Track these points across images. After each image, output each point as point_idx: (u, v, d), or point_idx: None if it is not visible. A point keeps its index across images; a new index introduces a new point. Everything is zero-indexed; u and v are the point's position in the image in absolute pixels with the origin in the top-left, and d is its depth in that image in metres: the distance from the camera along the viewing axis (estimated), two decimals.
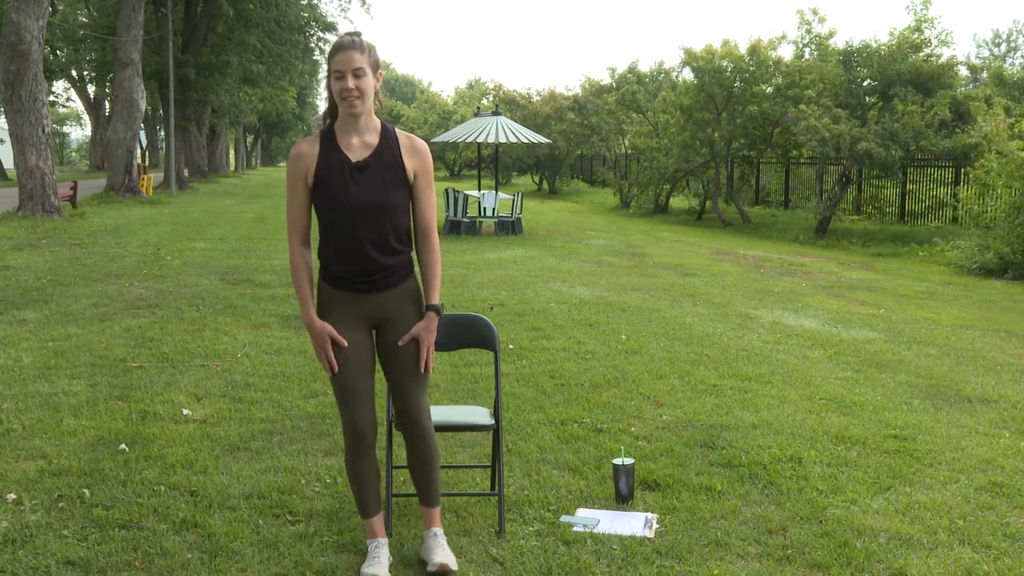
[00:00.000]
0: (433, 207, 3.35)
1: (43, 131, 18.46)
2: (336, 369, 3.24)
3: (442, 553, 3.35)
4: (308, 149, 3.19)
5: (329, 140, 3.20)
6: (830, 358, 7.16)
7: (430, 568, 3.32)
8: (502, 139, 18.39)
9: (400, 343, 3.29)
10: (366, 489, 3.35)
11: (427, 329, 3.31)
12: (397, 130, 3.30)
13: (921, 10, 19.97)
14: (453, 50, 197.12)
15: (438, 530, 3.44)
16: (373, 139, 3.22)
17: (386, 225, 3.19)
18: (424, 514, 3.47)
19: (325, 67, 3.19)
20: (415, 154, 3.26)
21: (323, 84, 3.21)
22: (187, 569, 3.34)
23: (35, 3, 17.89)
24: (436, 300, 3.33)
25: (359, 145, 3.20)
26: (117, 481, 4.14)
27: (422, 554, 3.43)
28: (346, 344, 3.22)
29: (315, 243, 3.30)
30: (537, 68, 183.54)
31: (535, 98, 38.41)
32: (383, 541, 3.38)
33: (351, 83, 3.08)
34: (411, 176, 3.26)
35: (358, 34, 3.16)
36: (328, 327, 3.22)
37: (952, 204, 19.14)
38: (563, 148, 35.14)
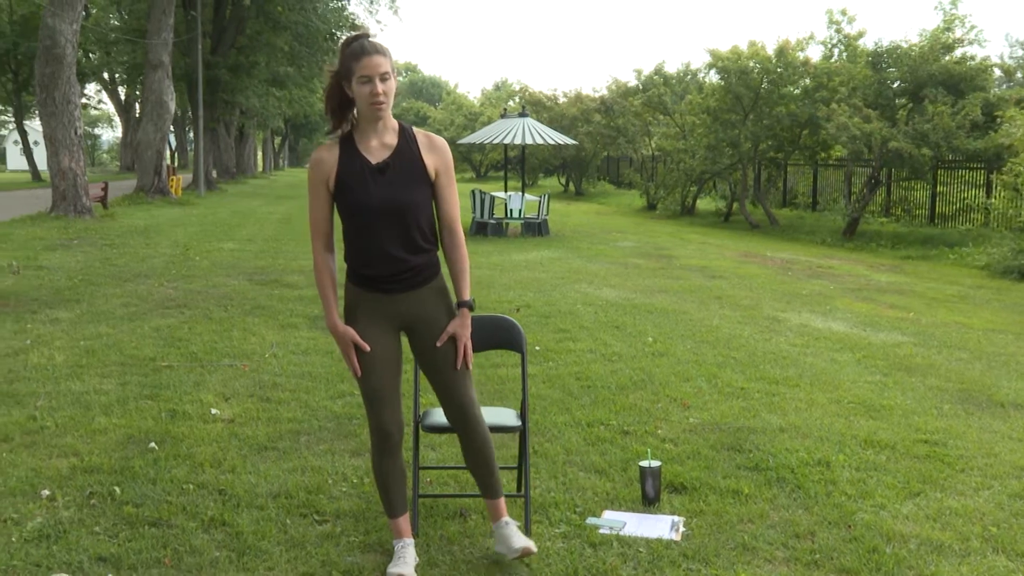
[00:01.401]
0: (456, 203, 3.34)
1: (75, 133, 18.72)
2: (359, 373, 3.25)
3: (520, 538, 3.37)
4: (327, 154, 3.19)
5: (348, 144, 3.20)
6: (859, 361, 7.09)
7: (512, 555, 3.34)
8: (528, 141, 18.39)
9: (438, 344, 3.29)
10: (392, 490, 3.37)
11: (462, 326, 3.31)
12: (415, 128, 3.31)
13: (950, 9, 19.73)
14: (480, 52, 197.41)
15: (508, 519, 3.44)
16: (392, 139, 3.22)
17: (410, 224, 3.20)
18: (491, 507, 3.47)
19: (338, 70, 3.16)
20: (435, 151, 3.26)
21: (330, 86, 3.16)
22: (215, 567, 3.37)
23: (70, 8, 18.14)
24: (467, 296, 3.33)
25: (378, 146, 3.20)
26: (147, 479, 4.19)
27: (497, 547, 3.42)
28: (368, 349, 3.23)
29: (339, 246, 3.31)
30: (563, 70, 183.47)
31: (561, 99, 38.38)
32: (409, 541, 3.39)
33: (380, 88, 3.09)
34: (432, 174, 3.26)
35: (373, 36, 3.17)
36: (351, 332, 3.23)
37: (984, 210, 18.90)
38: (589, 150, 35.08)
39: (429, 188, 3.25)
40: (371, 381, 3.26)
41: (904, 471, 4.53)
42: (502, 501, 3.47)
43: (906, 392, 6.16)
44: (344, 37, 3.21)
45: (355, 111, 3.21)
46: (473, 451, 3.40)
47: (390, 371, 3.29)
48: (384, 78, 3.09)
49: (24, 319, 7.97)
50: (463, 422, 3.36)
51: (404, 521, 3.41)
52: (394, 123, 3.24)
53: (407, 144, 3.22)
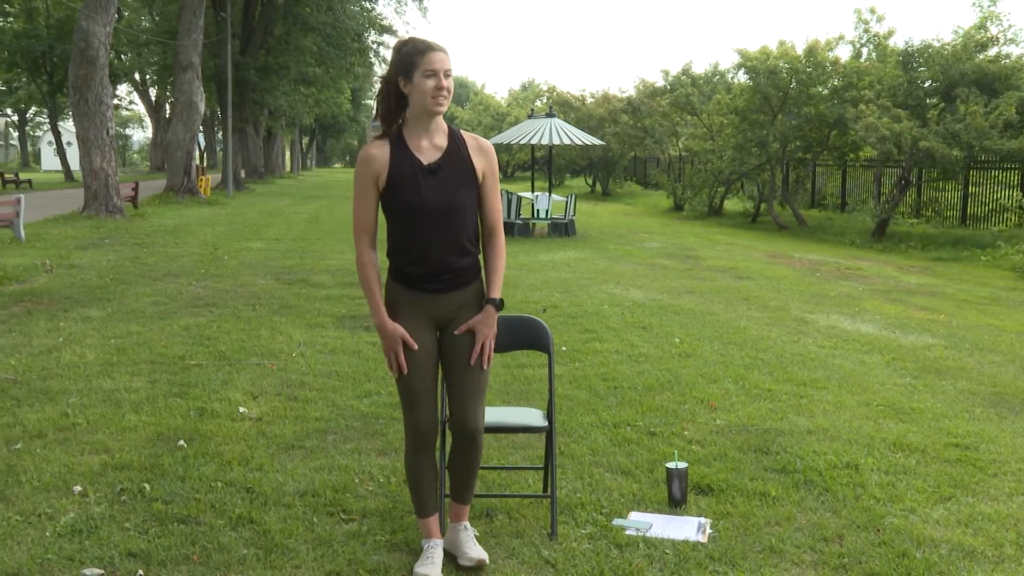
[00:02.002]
0: (499, 207, 3.38)
1: (107, 133, 18.96)
2: (405, 371, 3.25)
3: (476, 548, 3.40)
4: (378, 152, 3.19)
5: (399, 142, 3.21)
6: (888, 364, 7.02)
7: (464, 562, 3.36)
8: (555, 141, 18.37)
9: (455, 332, 3.30)
10: (425, 489, 3.38)
11: (484, 323, 3.30)
12: (462, 131, 3.33)
13: (988, 6, 19.46)
14: (507, 52, 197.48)
15: (467, 524, 3.49)
16: (442, 141, 3.24)
17: (458, 227, 3.22)
18: (455, 509, 3.51)
19: (390, 66, 3.18)
20: (483, 155, 3.29)
21: (384, 86, 3.16)
22: (243, 564, 3.40)
23: (103, 10, 18.38)
24: (497, 294, 3.34)
25: (429, 147, 3.22)
26: (176, 476, 4.23)
27: (450, 547, 3.45)
28: (416, 347, 3.23)
29: (380, 242, 3.31)
30: (591, 70, 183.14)
31: (588, 100, 38.32)
32: (438, 542, 3.40)
33: (445, 82, 3.13)
34: (480, 177, 3.29)
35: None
36: (400, 329, 3.23)
37: (1018, 210, 18.62)
38: (616, 150, 34.98)
39: (476, 191, 3.28)
40: (412, 380, 3.26)
41: (935, 475, 4.48)
42: (468, 507, 3.52)
43: (936, 395, 6.09)
44: (396, 40, 3.22)
45: (405, 111, 3.22)
46: (465, 460, 3.39)
47: (430, 370, 3.30)
48: (448, 74, 3.14)
49: (57, 317, 8.09)
50: (463, 432, 3.33)
51: (434, 521, 3.42)
52: (443, 125, 3.27)
53: (456, 146, 3.25)
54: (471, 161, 3.25)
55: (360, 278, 3.28)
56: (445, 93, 3.13)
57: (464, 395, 3.31)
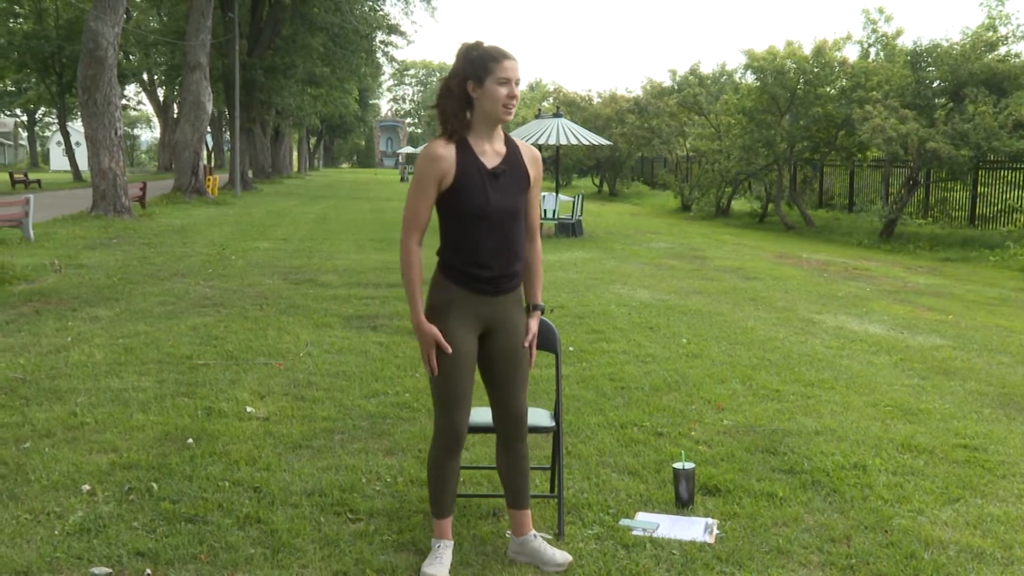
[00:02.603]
0: (538, 211, 3.45)
1: (116, 133, 19.03)
2: (436, 372, 3.24)
3: (558, 552, 3.44)
4: (445, 152, 3.18)
5: (464, 145, 3.21)
6: (896, 364, 7.00)
7: (553, 568, 3.38)
8: (563, 141, 18.37)
9: (525, 344, 3.36)
10: (448, 491, 3.38)
11: (532, 327, 3.42)
12: (516, 139, 3.38)
13: (996, 6, 19.39)
14: (514, 52, 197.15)
15: (536, 532, 3.50)
16: (501, 147, 3.28)
17: (515, 231, 3.26)
18: (519, 518, 3.48)
19: (457, 68, 3.21)
20: (535, 163, 3.36)
21: (449, 86, 3.21)
22: (250, 564, 3.40)
23: (112, 11, 18.45)
24: (539, 300, 3.45)
25: (491, 152, 3.24)
26: (183, 476, 4.24)
27: (527, 559, 3.44)
28: (450, 350, 3.22)
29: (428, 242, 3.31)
30: (597, 70, 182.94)
31: (596, 100, 38.30)
32: (449, 543, 3.41)
33: (516, 91, 3.18)
34: (532, 183, 3.35)
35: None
36: (435, 331, 3.22)
37: None
38: (624, 150, 34.97)
39: (527, 197, 3.34)
40: (454, 381, 3.25)
41: (943, 476, 4.46)
42: (529, 513, 3.50)
43: (944, 396, 6.07)
44: (463, 44, 3.22)
45: (468, 114, 3.22)
46: (517, 458, 3.43)
47: (471, 373, 3.31)
48: (518, 83, 3.19)
49: (66, 317, 8.12)
50: (515, 429, 3.40)
51: (448, 523, 3.43)
52: (501, 132, 3.31)
53: (514, 153, 3.29)
54: (526, 168, 3.31)
55: (404, 275, 3.26)
56: (515, 102, 3.18)
57: (509, 385, 3.36)
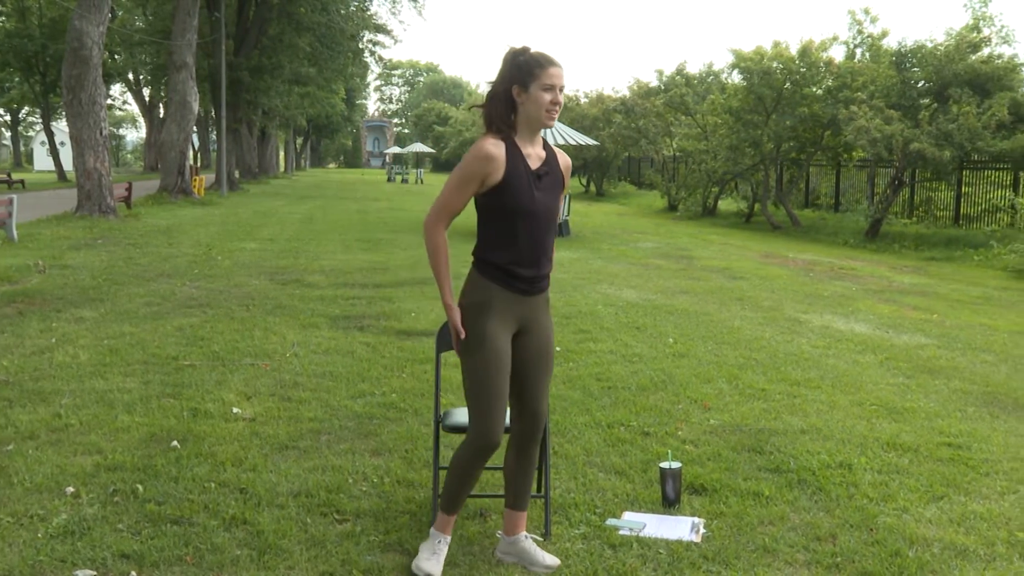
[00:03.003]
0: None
1: (101, 133, 18.91)
2: (463, 335, 3.25)
3: (547, 554, 3.45)
4: (497, 151, 3.21)
5: (512, 147, 3.25)
6: (881, 363, 7.03)
7: (541, 570, 3.39)
8: (549, 141, 18.30)
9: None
10: (466, 490, 3.38)
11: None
12: (551, 144, 3.44)
13: (980, 8, 19.52)
14: (501, 53, 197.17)
15: (527, 534, 3.52)
16: (541, 151, 3.34)
17: (552, 232, 3.35)
18: (515, 518, 3.49)
19: (503, 72, 3.25)
20: (567, 169, 3.45)
21: (496, 91, 3.29)
22: (236, 565, 3.39)
23: (96, 10, 18.33)
24: None
25: (534, 155, 3.30)
26: (169, 477, 4.22)
27: (515, 559, 3.45)
28: (464, 335, 3.24)
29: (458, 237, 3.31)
30: (585, 70, 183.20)
31: (583, 100, 38.32)
32: (448, 539, 3.42)
33: (560, 97, 3.24)
34: (564, 188, 3.43)
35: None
36: (458, 315, 3.26)
37: (1009, 210, 18.69)
38: (611, 150, 34.99)
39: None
40: (496, 381, 3.24)
41: (927, 474, 4.49)
42: (525, 515, 3.51)
43: (929, 394, 6.11)
44: (510, 48, 3.30)
45: (513, 117, 3.26)
46: (528, 460, 3.46)
47: (508, 375, 3.31)
48: (562, 89, 3.25)
49: (50, 318, 8.06)
50: (535, 428, 3.42)
51: (454, 520, 3.43)
52: (540, 136, 3.38)
53: (552, 156, 3.38)
54: (562, 173, 3.39)
55: (433, 259, 3.27)
56: (558, 108, 3.24)
57: (537, 385, 3.40)
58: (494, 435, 3.24)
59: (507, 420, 3.41)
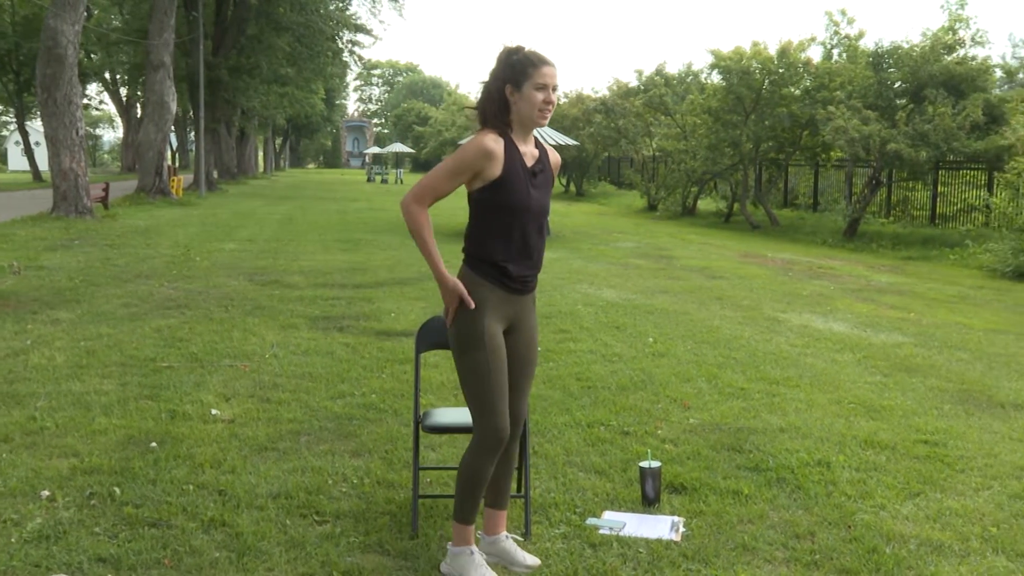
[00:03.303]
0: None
1: (77, 133, 18.73)
2: (472, 305, 3.20)
3: (526, 554, 3.45)
4: (496, 147, 3.18)
5: (510, 143, 3.24)
6: (859, 362, 7.09)
7: (522, 570, 3.39)
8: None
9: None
10: (483, 492, 3.34)
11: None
12: (542, 142, 3.42)
13: (956, 10, 19.70)
14: (481, 52, 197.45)
15: (508, 533, 3.52)
16: (534, 149, 3.33)
17: (543, 230, 3.34)
18: (496, 518, 3.49)
19: (496, 71, 3.23)
20: (556, 167, 3.45)
21: (489, 90, 3.26)
22: (215, 568, 3.37)
23: (71, 8, 18.15)
24: None
25: (528, 153, 3.29)
26: (147, 480, 4.19)
27: (497, 558, 3.44)
28: (472, 305, 3.20)
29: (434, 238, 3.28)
30: (564, 70, 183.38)
31: (562, 100, 38.35)
32: (477, 548, 3.38)
33: (553, 96, 3.22)
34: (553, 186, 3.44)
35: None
36: (460, 284, 3.21)
37: (984, 210, 18.90)
38: (590, 150, 35.05)
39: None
40: (499, 379, 3.23)
41: (904, 471, 4.53)
42: (505, 514, 3.52)
43: (906, 392, 6.16)
44: (505, 47, 3.27)
45: (509, 116, 3.24)
46: (508, 459, 3.45)
47: (507, 372, 3.30)
48: (555, 89, 3.23)
49: (25, 319, 7.98)
50: (516, 429, 3.40)
51: (473, 528, 3.38)
52: (532, 134, 3.36)
53: (544, 155, 3.37)
54: (552, 171, 3.39)
55: (418, 236, 3.22)
56: (551, 107, 3.23)
57: (523, 386, 3.40)
58: (505, 430, 3.23)
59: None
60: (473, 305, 3.20)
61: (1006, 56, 55.64)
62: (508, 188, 3.19)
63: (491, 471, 3.29)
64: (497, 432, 3.22)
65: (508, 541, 3.47)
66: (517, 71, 3.19)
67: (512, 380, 3.35)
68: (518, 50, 3.24)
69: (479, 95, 3.30)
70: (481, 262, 3.25)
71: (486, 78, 3.28)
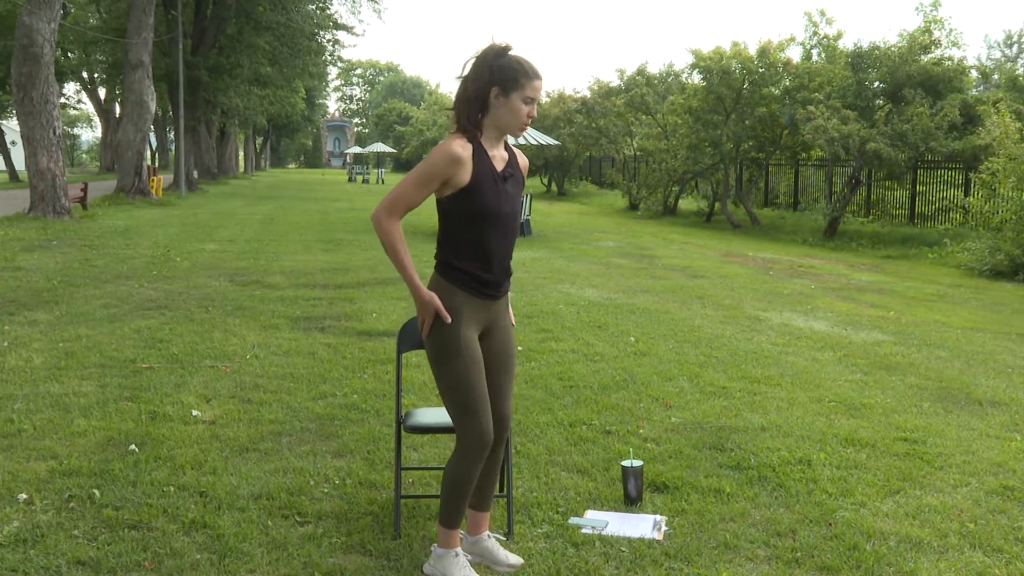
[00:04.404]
0: None
1: (54, 133, 18.56)
2: (449, 320, 3.17)
3: (509, 553, 3.46)
4: (464, 152, 3.13)
5: (479, 148, 3.19)
6: (839, 360, 7.14)
7: (504, 569, 3.39)
8: (511, 141, 18.26)
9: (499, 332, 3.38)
10: (469, 497, 3.33)
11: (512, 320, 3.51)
12: (511, 144, 3.39)
13: (931, 11, 19.90)
14: (461, 52, 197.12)
15: (490, 533, 3.52)
16: (504, 152, 3.29)
17: (515, 234, 3.32)
18: (479, 518, 3.48)
19: (481, 71, 3.15)
20: (525, 169, 3.43)
21: (467, 89, 3.17)
22: (196, 570, 3.35)
23: (47, 6, 17.98)
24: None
25: (498, 157, 3.25)
26: (127, 482, 4.16)
27: (480, 558, 3.44)
28: (449, 319, 3.17)
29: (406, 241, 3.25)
30: (545, 70, 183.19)
31: (544, 100, 38.36)
32: (462, 551, 3.37)
33: (535, 111, 3.21)
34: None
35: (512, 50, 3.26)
36: (436, 299, 3.17)
37: (961, 211, 19.09)
38: (572, 150, 35.11)
39: None
40: (478, 388, 3.21)
41: (884, 469, 4.57)
42: (488, 515, 3.52)
43: (886, 390, 6.21)
44: (491, 46, 3.19)
45: (481, 116, 3.19)
46: (494, 461, 3.44)
47: (484, 377, 3.29)
48: (538, 101, 3.23)
49: (2, 321, 7.90)
50: (501, 430, 3.39)
51: (459, 532, 3.37)
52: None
53: (514, 159, 3.33)
54: (522, 175, 3.38)
55: (392, 251, 3.16)
56: (531, 120, 3.21)
57: (505, 388, 3.38)
58: (488, 435, 3.22)
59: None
60: (450, 319, 3.17)
61: (981, 57, 56.20)
62: (478, 194, 3.14)
63: (477, 476, 3.27)
64: (481, 438, 3.20)
65: (490, 540, 3.47)
66: (508, 76, 3.12)
67: (494, 382, 3.34)
68: (505, 51, 3.16)
69: (456, 91, 3.22)
70: (454, 270, 3.21)
71: (465, 71, 3.19)
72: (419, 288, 3.18)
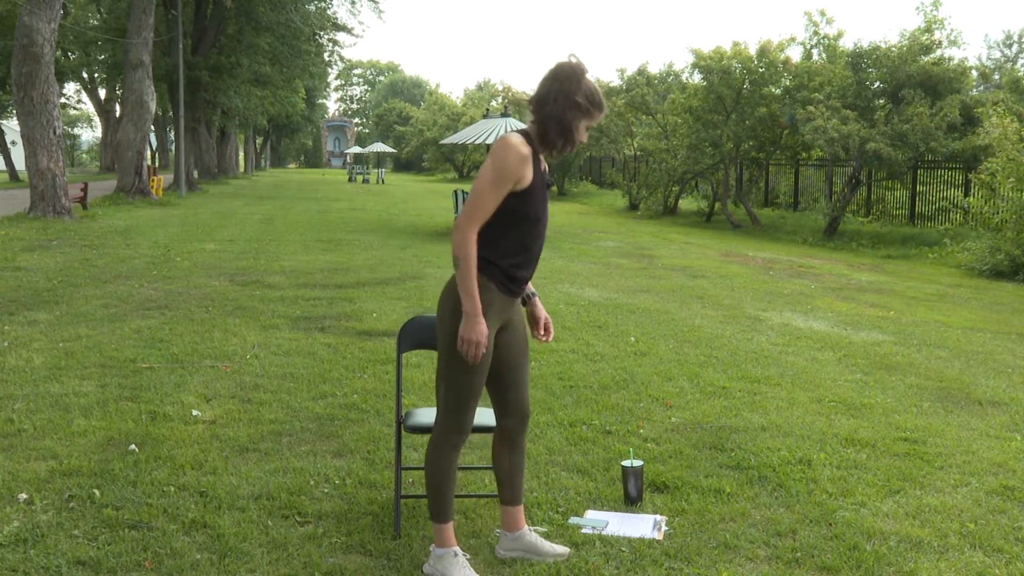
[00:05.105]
0: None
1: (54, 133, 18.56)
2: (477, 360, 3.18)
3: (555, 545, 3.50)
4: (529, 153, 3.18)
5: (534, 152, 3.23)
6: (839, 360, 7.14)
7: (552, 560, 3.43)
8: (502, 131, 18.34)
9: (542, 329, 3.48)
10: (453, 490, 3.35)
11: (545, 313, 3.58)
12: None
13: (931, 11, 19.90)
14: (462, 52, 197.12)
15: (531, 527, 3.56)
16: (544, 161, 3.36)
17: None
18: (514, 514, 3.51)
19: (573, 91, 3.17)
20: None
21: (567, 117, 3.19)
22: (197, 570, 3.35)
23: (47, 6, 17.98)
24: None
25: (542, 164, 3.32)
26: (127, 482, 4.16)
27: (525, 553, 3.46)
28: (483, 352, 3.18)
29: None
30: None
31: None
32: (460, 550, 3.37)
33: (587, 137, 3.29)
34: None
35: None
36: (486, 331, 3.16)
37: (961, 211, 19.09)
38: (572, 150, 35.07)
39: None
40: (481, 382, 3.27)
41: (884, 469, 4.57)
42: (522, 508, 3.56)
43: (886, 390, 6.21)
44: (574, 62, 3.23)
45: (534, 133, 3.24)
46: (520, 455, 3.49)
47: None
48: None
49: (2, 321, 7.90)
50: (524, 421, 3.45)
51: (452, 526, 3.38)
52: None
53: (546, 165, 3.38)
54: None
55: (463, 265, 3.12)
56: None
57: (522, 383, 3.43)
58: (468, 428, 3.31)
59: (479, 418, 3.46)
60: (479, 360, 3.17)
61: (982, 57, 56.17)
62: (532, 197, 3.20)
63: (456, 466, 3.33)
64: (465, 428, 3.29)
65: (532, 535, 3.50)
66: (585, 109, 3.17)
67: (514, 375, 3.40)
68: (589, 80, 3.20)
69: (539, 93, 3.21)
70: (490, 265, 3.21)
71: (554, 86, 3.17)
72: (479, 313, 3.14)
